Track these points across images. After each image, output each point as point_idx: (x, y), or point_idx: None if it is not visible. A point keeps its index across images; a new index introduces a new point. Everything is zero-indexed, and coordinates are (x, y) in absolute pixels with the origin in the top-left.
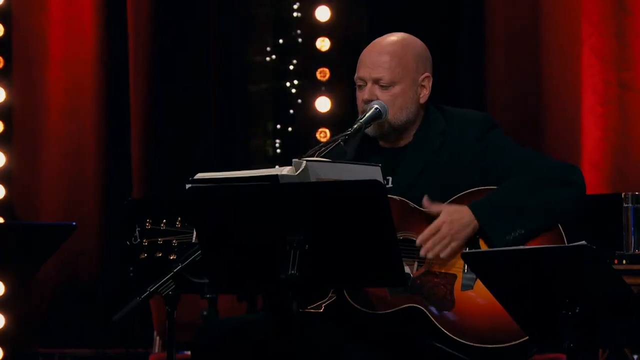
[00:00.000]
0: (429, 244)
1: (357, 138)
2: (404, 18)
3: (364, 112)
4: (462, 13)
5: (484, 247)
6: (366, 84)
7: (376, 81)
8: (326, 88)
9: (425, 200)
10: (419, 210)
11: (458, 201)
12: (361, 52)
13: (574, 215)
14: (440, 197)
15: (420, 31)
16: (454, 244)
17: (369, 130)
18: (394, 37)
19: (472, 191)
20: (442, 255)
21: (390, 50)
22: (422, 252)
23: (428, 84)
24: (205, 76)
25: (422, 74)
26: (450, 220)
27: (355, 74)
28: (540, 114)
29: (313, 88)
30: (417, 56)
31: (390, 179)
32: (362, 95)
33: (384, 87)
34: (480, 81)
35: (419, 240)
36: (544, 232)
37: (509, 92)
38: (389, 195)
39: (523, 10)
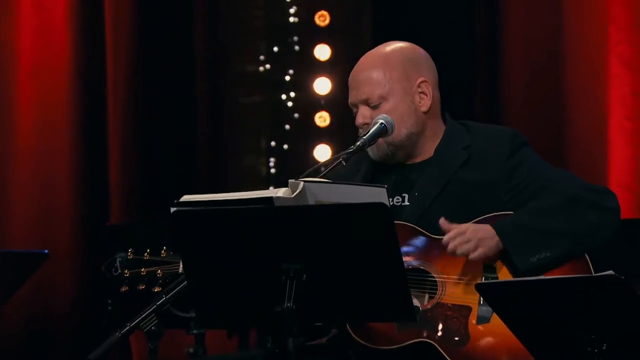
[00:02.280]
0: (458, 239)
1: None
2: (411, 21)
3: (369, 128)
4: (475, 17)
5: (503, 272)
6: (358, 108)
7: (365, 102)
8: (326, 101)
9: (443, 221)
10: (430, 237)
11: (482, 223)
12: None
13: (605, 243)
14: (463, 217)
15: (429, 36)
16: (481, 250)
17: (373, 154)
18: (375, 50)
19: (498, 215)
20: (472, 256)
21: (371, 65)
22: (450, 247)
23: (427, 89)
24: (192, 88)
25: (416, 80)
26: (474, 228)
27: (348, 101)
28: (561, 130)
29: (311, 101)
30: (404, 61)
31: (406, 196)
32: (356, 120)
33: (375, 107)
34: (494, 93)
35: (446, 237)
36: (572, 259)
37: (526, 106)
38: (397, 221)
39: (542, 14)
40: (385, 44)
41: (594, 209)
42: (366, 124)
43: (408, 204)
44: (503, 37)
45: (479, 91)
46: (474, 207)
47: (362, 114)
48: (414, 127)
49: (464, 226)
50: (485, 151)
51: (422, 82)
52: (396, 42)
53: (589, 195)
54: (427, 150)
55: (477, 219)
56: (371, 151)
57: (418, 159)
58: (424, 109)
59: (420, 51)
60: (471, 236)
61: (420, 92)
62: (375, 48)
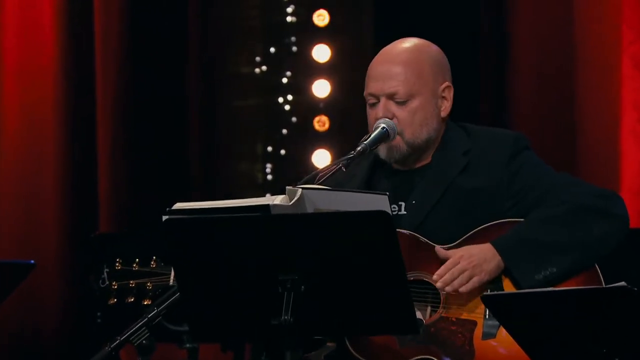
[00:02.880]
0: (447, 276)
1: (368, 159)
2: (414, 19)
3: (372, 131)
4: (480, 16)
5: (508, 288)
6: (379, 100)
7: (390, 96)
8: (325, 104)
9: (439, 249)
10: (433, 246)
11: (482, 234)
12: (366, 59)
13: (613, 252)
14: (462, 227)
15: (433, 35)
16: (475, 279)
17: (383, 155)
18: (405, 43)
19: (499, 223)
20: (463, 289)
21: (403, 59)
22: (439, 285)
23: (449, 94)
24: (185, 91)
25: (442, 84)
26: (469, 254)
27: (365, 90)
28: (571, 133)
29: (310, 104)
30: (434, 63)
31: (403, 204)
32: (375, 113)
33: (401, 103)
34: (501, 95)
35: (435, 275)
36: (580, 271)
37: (534, 108)
38: (398, 230)
39: (551, 11)
40: (409, 39)
41: (601, 217)
42: (387, 118)
43: (405, 212)
44: (510, 37)
45: (485, 93)
46: (473, 215)
47: (386, 108)
48: (434, 131)
49: (458, 254)
50: (485, 156)
51: (447, 87)
52: (420, 39)
53: (595, 202)
54: (427, 155)
55: (479, 228)
56: (385, 152)
57: (418, 164)
58: (444, 114)
59: (444, 54)
60: (465, 265)
61: (443, 97)
62: (400, 42)
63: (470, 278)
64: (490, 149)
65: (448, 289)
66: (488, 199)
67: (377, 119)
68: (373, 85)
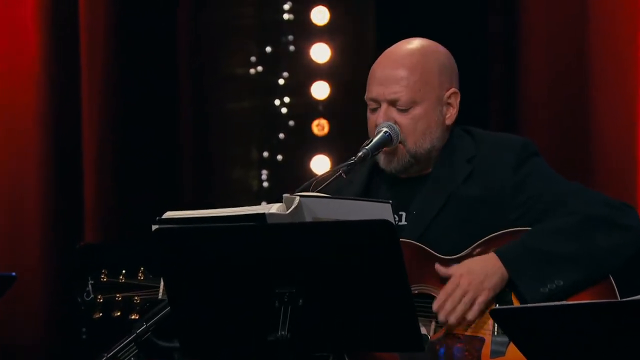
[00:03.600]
0: (448, 304)
1: (366, 165)
2: (420, 16)
3: (374, 135)
4: (489, 12)
5: (514, 301)
6: (380, 105)
7: (392, 103)
8: (324, 107)
9: (438, 267)
10: (438, 257)
11: (488, 244)
12: (368, 59)
13: (625, 264)
14: (466, 238)
15: (439, 34)
16: (480, 299)
17: (383, 165)
18: (410, 45)
19: (505, 233)
20: (469, 316)
21: (407, 62)
22: (440, 317)
23: (455, 101)
24: (175, 93)
25: (448, 90)
26: (469, 271)
27: (366, 94)
28: (586, 136)
29: (308, 107)
30: (441, 67)
31: (403, 214)
32: (375, 118)
33: (403, 110)
34: (511, 96)
35: (435, 306)
36: (589, 285)
37: (547, 109)
38: (401, 239)
39: (565, 6)
40: (415, 39)
41: (612, 228)
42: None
43: (405, 223)
44: (521, 33)
45: (494, 95)
46: (478, 226)
47: (386, 115)
48: (438, 140)
49: (457, 272)
50: (490, 163)
51: (453, 93)
52: (427, 40)
53: (606, 213)
54: (428, 163)
55: (484, 238)
56: (385, 161)
57: (417, 173)
58: (449, 122)
59: (452, 57)
60: (466, 286)
61: (449, 104)
62: (405, 42)
63: (473, 300)
64: (495, 155)
65: (452, 319)
66: (493, 208)
67: (377, 125)
68: (375, 89)
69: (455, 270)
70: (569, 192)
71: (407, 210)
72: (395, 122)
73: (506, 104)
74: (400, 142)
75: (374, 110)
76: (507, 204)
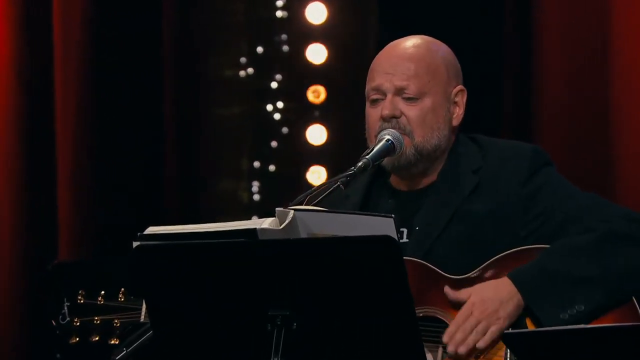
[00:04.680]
0: (458, 335)
1: (364, 177)
2: (426, 14)
3: (375, 143)
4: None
5: (532, 326)
6: (385, 96)
7: (399, 91)
8: (321, 113)
9: (448, 290)
10: (446, 277)
11: (498, 265)
12: (369, 60)
13: None
14: (474, 257)
15: (449, 33)
16: (494, 328)
17: (387, 164)
18: (414, 39)
19: (517, 252)
20: (481, 344)
21: (414, 54)
22: (450, 349)
23: (462, 100)
24: (159, 97)
25: (455, 87)
26: (482, 298)
27: (368, 85)
28: (606, 144)
29: (304, 113)
30: (447, 63)
31: (404, 231)
32: (378, 111)
33: (411, 99)
34: (525, 100)
35: (445, 337)
36: (613, 308)
37: (563, 115)
38: (405, 258)
39: (584, 4)
40: (418, 36)
41: (635, 245)
42: (394, 117)
43: (407, 240)
44: (536, 34)
45: (506, 99)
46: (485, 244)
47: (392, 105)
48: (444, 140)
49: (469, 301)
50: (498, 175)
51: (460, 90)
52: (431, 38)
53: (629, 228)
54: (432, 171)
55: (496, 257)
56: (389, 159)
57: (420, 185)
58: (456, 122)
59: (456, 58)
60: (479, 315)
61: (455, 102)
62: (410, 38)
63: (486, 330)
64: (504, 166)
65: (462, 349)
66: (502, 224)
67: (382, 116)
68: (380, 78)
69: (466, 296)
70: (586, 205)
71: (409, 227)
72: (402, 113)
73: (519, 106)
74: (406, 135)
75: (376, 102)
76: (517, 220)
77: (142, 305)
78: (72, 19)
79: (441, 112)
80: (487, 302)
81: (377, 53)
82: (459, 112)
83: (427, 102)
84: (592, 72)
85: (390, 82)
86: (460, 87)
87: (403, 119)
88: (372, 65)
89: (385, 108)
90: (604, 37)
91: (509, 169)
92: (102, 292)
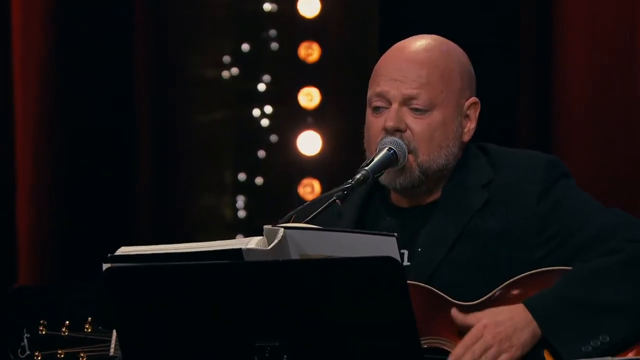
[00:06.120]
0: (467, 357)
1: (359, 193)
2: (433, 8)
3: (375, 153)
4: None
5: (549, 356)
6: (390, 104)
7: (407, 101)
8: (316, 119)
9: (455, 313)
10: (452, 303)
11: (510, 291)
12: (369, 60)
13: None
14: (483, 282)
15: (459, 32)
16: (505, 356)
17: (387, 180)
18: (426, 40)
19: (533, 274)
20: None
21: (427, 58)
22: None
23: (475, 114)
24: (129, 103)
25: (468, 99)
26: (495, 322)
27: (371, 90)
28: (634, 154)
29: (295, 119)
30: (462, 71)
31: (405, 253)
32: (380, 121)
33: (419, 111)
34: (544, 107)
35: (451, 357)
36: None
37: (586, 124)
38: (409, 282)
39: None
40: (430, 36)
41: None
42: (399, 130)
43: (409, 263)
44: (558, 34)
45: (523, 106)
46: (496, 267)
47: (397, 116)
48: (452, 158)
49: (480, 323)
50: (511, 189)
51: (474, 103)
52: (444, 39)
53: None
54: (437, 188)
55: (511, 280)
56: (390, 175)
57: (423, 201)
58: (467, 138)
59: (469, 60)
60: (490, 340)
61: (467, 116)
62: (420, 38)
63: (497, 356)
64: (517, 179)
65: None
66: (515, 245)
67: (386, 127)
68: (385, 83)
69: (477, 319)
70: (611, 224)
71: (410, 248)
72: (407, 127)
73: (537, 111)
74: (410, 152)
75: (379, 110)
76: (532, 239)
77: (112, 336)
78: (33, 14)
79: (452, 127)
80: (500, 326)
81: (378, 50)
82: (470, 127)
83: (436, 115)
84: (618, 69)
85: (398, 89)
86: (474, 99)
87: (408, 134)
88: (376, 68)
89: (389, 119)
90: (632, 35)
91: (522, 182)
92: (67, 321)
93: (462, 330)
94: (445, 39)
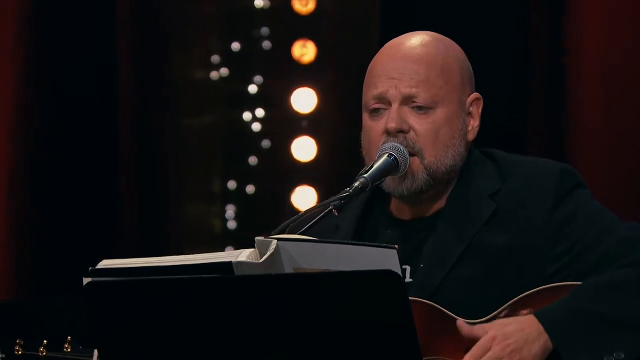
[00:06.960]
0: None
1: (357, 203)
2: (438, 6)
3: (372, 163)
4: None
5: None
6: (390, 105)
7: (407, 100)
8: (311, 122)
9: (462, 323)
10: (457, 320)
11: (520, 308)
12: (369, 60)
13: None
14: (490, 299)
15: (465, 34)
16: None
17: (391, 187)
18: (422, 37)
19: (545, 290)
20: None
21: (424, 55)
22: None
23: (477, 111)
24: (112, 105)
25: (470, 95)
26: (504, 334)
27: (367, 93)
28: None
29: (289, 123)
30: (463, 67)
31: (408, 268)
32: (381, 124)
33: (421, 110)
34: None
35: None
36: None
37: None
38: (411, 298)
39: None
40: (426, 33)
41: None
42: (402, 131)
43: (411, 279)
44: (570, 38)
45: (534, 117)
46: (504, 283)
47: (399, 117)
48: (460, 158)
49: (489, 334)
50: (520, 200)
51: (476, 99)
52: (441, 35)
53: None
54: (441, 198)
55: (521, 296)
56: (394, 181)
57: (426, 212)
58: (472, 137)
59: (466, 57)
60: (499, 352)
61: (470, 114)
62: (416, 35)
63: None
64: (527, 189)
65: None
66: (525, 259)
67: (387, 129)
68: (383, 84)
69: (484, 331)
70: (628, 238)
71: (413, 263)
72: (411, 128)
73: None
74: (415, 155)
75: (378, 113)
76: (544, 255)
77: (93, 356)
78: (6, 10)
79: (457, 125)
80: (509, 339)
81: (380, 49)
82: (474, 125)
83: (440, 113)
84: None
85: (397, 88)
86: (476, 94)
87: (412, 135)
88: (371, 69)
89: (391, 120)
90: None
91: (533, 192)
92: (45, 341)
93: (468, 347)
94: (441, 35)
